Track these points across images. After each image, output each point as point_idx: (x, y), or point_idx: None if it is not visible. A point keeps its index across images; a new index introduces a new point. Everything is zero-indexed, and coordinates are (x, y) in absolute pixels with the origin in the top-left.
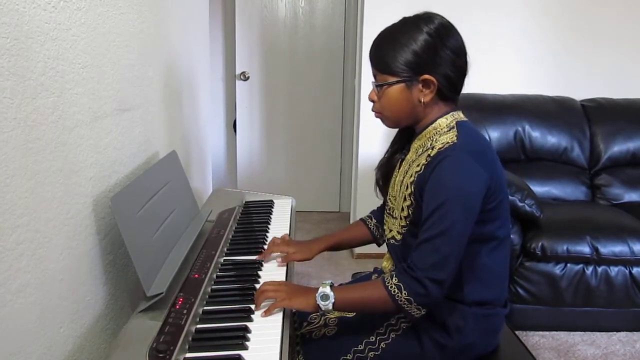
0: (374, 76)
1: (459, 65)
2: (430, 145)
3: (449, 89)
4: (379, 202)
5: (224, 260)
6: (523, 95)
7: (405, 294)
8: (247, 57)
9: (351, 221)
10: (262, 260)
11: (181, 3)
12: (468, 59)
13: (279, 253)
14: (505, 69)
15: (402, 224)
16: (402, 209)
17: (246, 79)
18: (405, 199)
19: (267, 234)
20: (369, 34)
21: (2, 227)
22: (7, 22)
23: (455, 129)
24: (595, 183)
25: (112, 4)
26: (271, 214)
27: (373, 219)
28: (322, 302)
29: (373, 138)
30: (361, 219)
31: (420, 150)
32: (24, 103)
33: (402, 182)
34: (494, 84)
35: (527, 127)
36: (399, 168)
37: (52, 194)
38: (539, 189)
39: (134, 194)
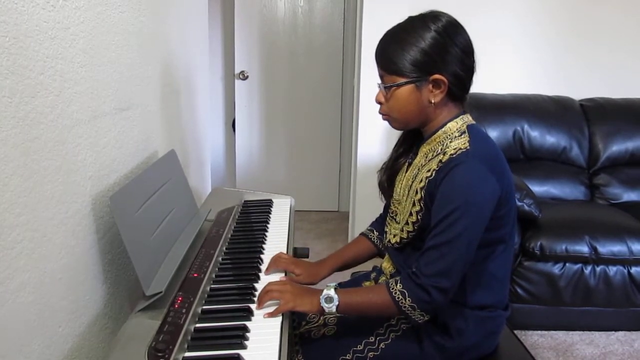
0: (381, 77)
1: (467, 63)
2: (441, 150)
3: (459, 88)
4: (378, 200)
5: (223, 260)
6: (522, 94)
7: (409, 300)
8: (246, 56)
9: (350, 221)
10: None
11: (180, 2)
12: (475, 57)
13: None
14: (505, 68)
15: (409, 229)
16: (411, 214)
17: (245, 78)
18: (414, 204)
19: (266, 234)
20: (368, 33)
21: (1, 226)
22: (5, 20)
23: (466, 133)
24: (594, 183)
25: (111, 3)
26: (270, 213)
27: (375, 232)
28: (326, 305)
29: (372, 137)
30: (362, 234)
31: (430, 154)
32: (23, 102)
33: (410, 186)
34: (493, 84)
35: (526, 127)
36: (405, 172)
37: (51, 193)
38: (537, 188)
39: (133, 193)
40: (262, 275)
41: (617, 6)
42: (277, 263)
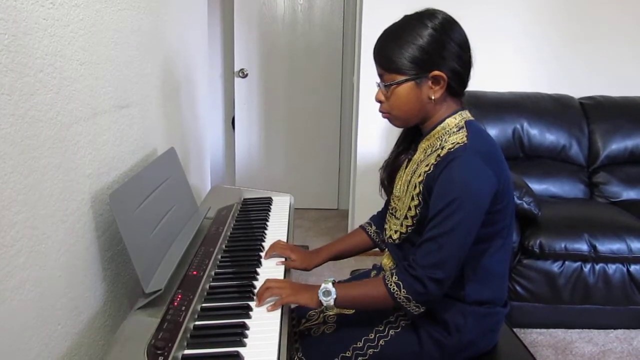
0: (380, 76)
1: (465, 59)
2: (440, 145)
3: (458, 83)
4: (377, 198)
5: (222, 258)
6: (522, 93)
7: (404, 292)
8: (246, 54)
9: (349, 219)
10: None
11: (179, 0)
12: (472, 52)
13: (279, 255)
14: (504, 66)
15: (408, 224)
16: (410, 209)
17: (245, 76)
18: (413, 199)
19: (266, 231)
20: (368, 31)
21: (0, 224)
22: (4, 18)
23: (464, 129)
24: (594, 181)
25: (110, 0)
26: (269, 211)
27: (373, 225)
28: (324, 298)
29: (371, 135)
30: (361, 226)
31: (429, 150)
32: (22, 99)
33: (409, 182)
34: (492, 82)
35: (525, 125)
36: (405, 168)
37: (50, 190)
38: (537, 186)
39: (133, 191)
40: (261, 273)
41: (616, 5)
42: (274, 248)
